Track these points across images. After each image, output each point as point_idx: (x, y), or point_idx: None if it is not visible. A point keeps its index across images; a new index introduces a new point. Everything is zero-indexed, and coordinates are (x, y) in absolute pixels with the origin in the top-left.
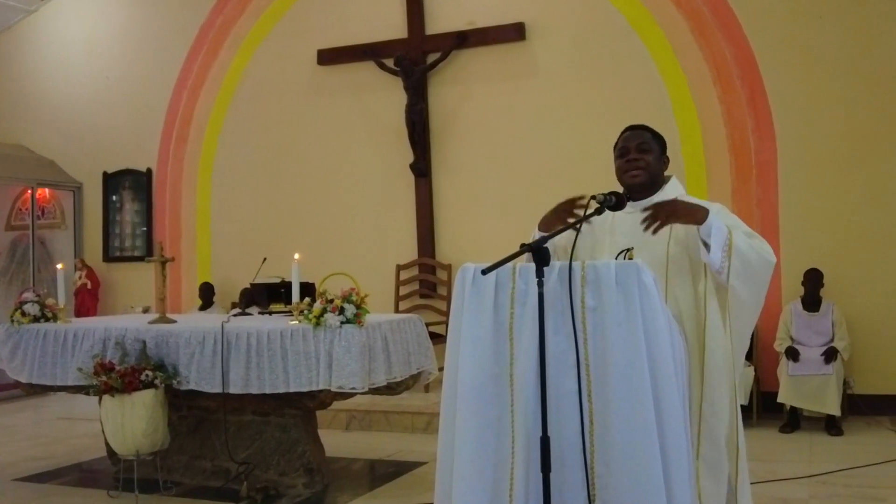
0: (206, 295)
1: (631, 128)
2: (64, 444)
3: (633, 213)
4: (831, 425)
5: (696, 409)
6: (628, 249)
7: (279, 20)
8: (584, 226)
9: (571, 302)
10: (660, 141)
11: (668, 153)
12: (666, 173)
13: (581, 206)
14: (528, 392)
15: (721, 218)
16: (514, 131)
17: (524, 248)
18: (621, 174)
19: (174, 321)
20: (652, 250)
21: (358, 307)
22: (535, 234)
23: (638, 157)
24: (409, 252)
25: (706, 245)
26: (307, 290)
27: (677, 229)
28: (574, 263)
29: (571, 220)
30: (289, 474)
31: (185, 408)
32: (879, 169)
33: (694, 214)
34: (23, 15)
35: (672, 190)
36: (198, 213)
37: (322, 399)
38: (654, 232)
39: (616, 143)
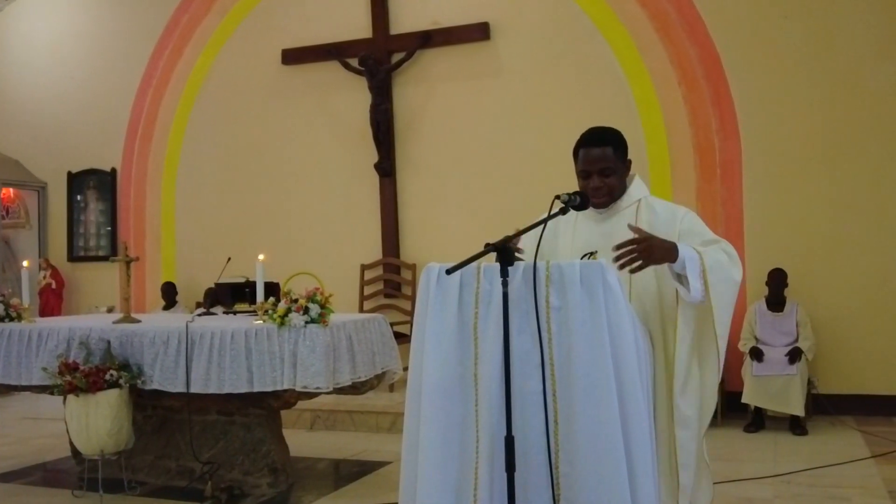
0: (169, 294)
1: (590, 142)
2: (28, 443)
3: (597, 216)
4: (796, 425)
5: (663, 406)
6: (592, 253)
7: (244, 20)
8: (549, 225)
9: (536, 302)
10: (622, 151)
11: (633, 155)
12: (629, 173)
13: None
14: (493, 392)
15: (686, 224)
16: (478, 131)
17: (488, 247)
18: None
19: (138, 321)
20: (615, 253)
21: (322, 307)
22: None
23: (601, 185)
24: (374, 252)
25: (680, 277)
26: (271, 289)
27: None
28: (538, 263)
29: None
30: (253, 474)
31: (150, 407)
32: (844, 168)
33: (669, 254)
34: None
35: (636, 190)
36: (162, 213)
37: (286, 399)
38: (633, 272)
39: (575, 152)
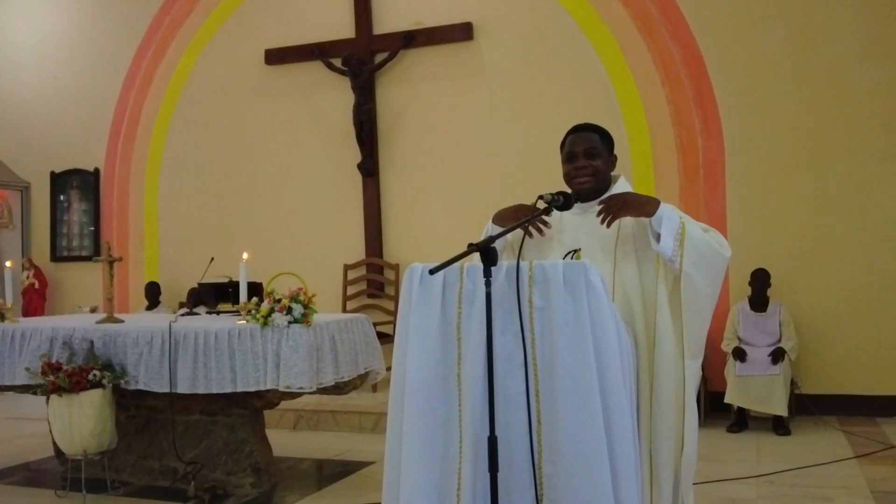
0: (153, 295)
1: (578, 129)
2: (11, 443)
3: (582, 213)
4: (779, 425)
5: (645, 407)
6: (576, 250)
7: (227, 20)
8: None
9: (519, 302)
10: (608, 141)
11: (616, 153)
12: (614, 172)
13: (540, 220)
14: (476, 392)
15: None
16: (461, 131)
17: (472, 247)
18: (569, 179)
19: (122, 321)
20: (600, 252)
21: (305, 307)
22: (489, 227)
23: (586, 165)
24: (357, 252)
25: (658, 236)
26: (255, 289)
27: (625, 231)
28: (522, 263)
29: (532, 225)
30: (236, 474)
31: (133, 407)
32: (826, 168)
33: (644, 206)
34: None
35: (621, 188)
36: (145, 213)
37: (270, 399)
38: (608, 225)
39: (563, 143)
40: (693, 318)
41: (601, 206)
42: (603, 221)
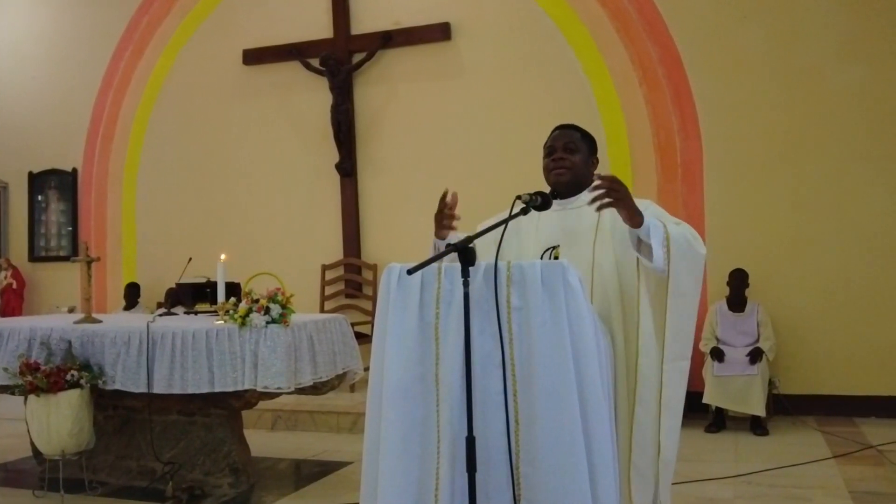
0: (131, 295)
1: (561, 127)
2: None
3: (560, 210)
4: (757, 425)
5: (624, 407)
6: (554, 247)
7: (204, 20)
8: (511, 224)
9: (497, 302)
10: (589, 141)
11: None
12: (595, 173)
13: (445, 203)
14: (454, 392)
15: (651, 212)
16: (439, 131)
17: (449, 248)
18: (547, 172)
19: (100, 321)
20: (578, 249)
21: (283, 307)
22: (434, 244)
23: (563, 157)
24: (335, 252)
25: (642, 244)
26: (233, 289)
27: (604, 226)
28: (500, 263)
29: (448, 222)
30: (214, 474)
31: (111, 407)
32: (804, 168)
33: (635, 215)
34: None
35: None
36: (123, 213)
37: (248, 399)
38: (598, 209)
39: (546, 143)
40: (680, 319)
41: (600, 184)
42: (593, 202)
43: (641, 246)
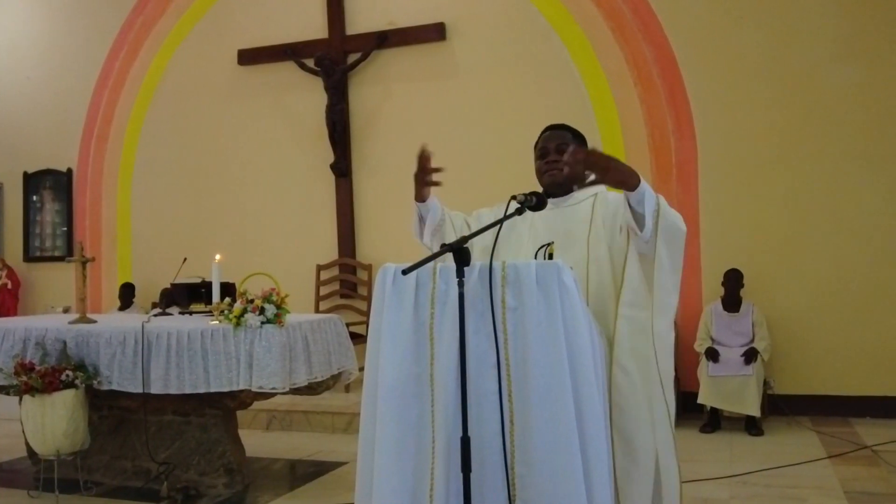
0: (126, 295)
1: (551, 127)
2: None
3: (554, 209)
4: (752, 425)
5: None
6: (549, 244)
7: (199, 20)
8: (505, 224)
9: (492, 302)
10: (580, 140)
11: None
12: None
13: (426, 158)
14: (449, 392)
15: None
16: (434, 131)
17: (444, 248)
18: (540, 174)
19: (95, 321)
20: (573, 246)
21: (278, 307)
22: (416, 210)
23: (557, 159)
24: (330, 252)
25: (634, 212)
26: (227, 290)
27: (597, 223)
28: (494, 263)
29: (429, 179)
30: (209, 474)
31: (106, 408)
32: (799, 168)
33: (628, 178)
34: None
35: (591, 187)
36: (118, 214)
37: (242, 399)
38: (576, 183)
39: (536, 143)
40: (662, 296)
41: (573, 153)
42: (564, 164)
43: (633, 212)
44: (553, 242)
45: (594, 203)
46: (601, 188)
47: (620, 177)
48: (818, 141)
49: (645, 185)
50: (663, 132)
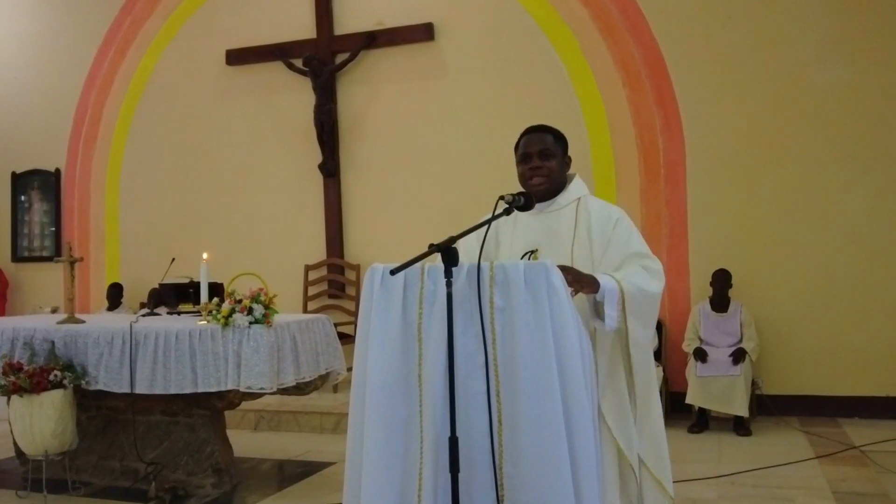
0: (114, 296)
1: (531, 130)
2: None
3: (537, 213)
4: (740, 426)
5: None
6: (533, 251)
7: (187, 20)
8: (490, 225)
9: (480, 302)
10: (562, 142)
11: (577, 154)
12: (569, 172)
13: None
14: (437, 392)
15: (618, 235)
16: (422, 132)
17: (432, 248)
18: (524, 180)
19: (83, 321)
20: (557, 252)
21: (266, 307)
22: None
23: (540, 166)
24: (318, 252)
25: (597, 306)
26: (216, 290)
27: (581, 229)
28: (483, 264)
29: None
30: (197, 474)
31: (94, 408)
32: (787, 169)
33: (590, 284)
34: None
35: (576, 189)
36: (106, 214)
37: (230, 399)
38: (575, 293)
39: (517, 145)
40: (641, 367)
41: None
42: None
43: (597, 306)
44: (537, 250)
45: (577, 208)
46: (585, 190)
47: (588, 281)
48: (806, 141)
49: (604, 282)
50: (651, 132)
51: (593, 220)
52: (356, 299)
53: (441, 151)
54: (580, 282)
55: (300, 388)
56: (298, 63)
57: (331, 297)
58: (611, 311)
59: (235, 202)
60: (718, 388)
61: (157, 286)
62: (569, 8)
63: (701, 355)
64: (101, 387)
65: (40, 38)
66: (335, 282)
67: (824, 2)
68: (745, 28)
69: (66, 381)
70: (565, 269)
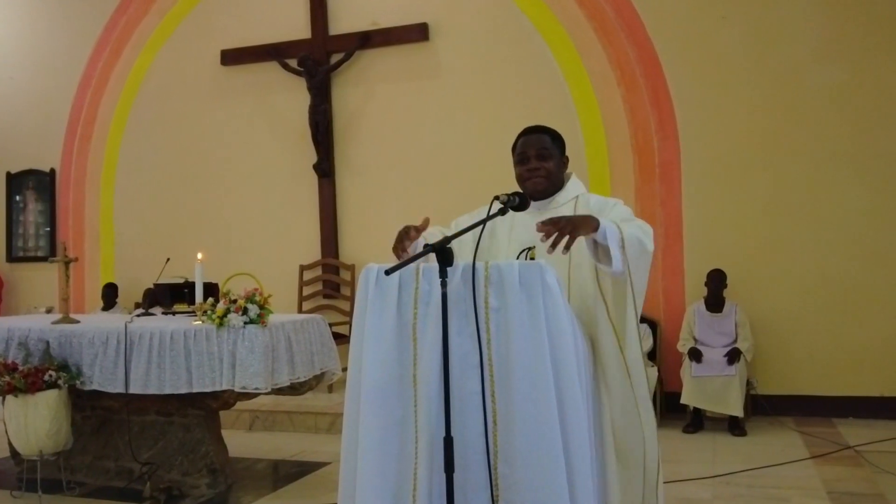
0: (109, 296)
1: (529, 130)
2: None
3: (535, 212)
4: (735, 426)
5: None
6: (530, 248)
7: (182, 20)
8: (486, 226)
9: (475, 302)
10: (559, 142)
11: (572, 154)
12: (567, 171)
13: (408, 239)
14: (432, 392)
15: (616, 212)
16: (417, 132)
17: (428, 248)
18: (522, 181)
19: (77, 321)
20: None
21: (261, 307)
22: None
23: (538, 167)
24: (313, 252)
25: (599, 249)
26: (210, 290)
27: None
28: (477, 264)
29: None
30: (192, 474)
31: (89, 408)
32: (782, 169)
33: (589, 224)
34: None
35: (573, 187)
36: (101, 214)
37: (225, 399)
38: (566, 250)
39: (514, 146)
40: (636, 317)
41: (548, 232)
42: (566, 250)
43: (598, 250)
44: (534, 247)
45: (575, 206)
46: (582, 190)
47: (585, 223)
48: (801, 141)
49: (604, 223)
50: (646, 132)
51: (592, 212)
52: (351, 299)
53: (436, 151)
54: (572, 222)
55: (295, 389)
56: (293, 63)
57: (325, 297)
58: (616, 253)
59: (230, 202)
60: (713, 388)
61: (151, 286)
62: (563, 8)
63: (696, 355)
64: (95, 387)
65: (35, 38)
66: (330, 282)
67: (819, 2)
68: (740, 28)
69: (60, 382)
70: (554, 220)
